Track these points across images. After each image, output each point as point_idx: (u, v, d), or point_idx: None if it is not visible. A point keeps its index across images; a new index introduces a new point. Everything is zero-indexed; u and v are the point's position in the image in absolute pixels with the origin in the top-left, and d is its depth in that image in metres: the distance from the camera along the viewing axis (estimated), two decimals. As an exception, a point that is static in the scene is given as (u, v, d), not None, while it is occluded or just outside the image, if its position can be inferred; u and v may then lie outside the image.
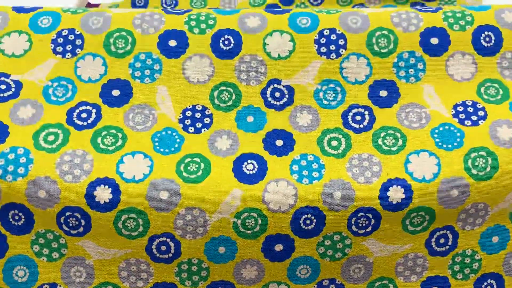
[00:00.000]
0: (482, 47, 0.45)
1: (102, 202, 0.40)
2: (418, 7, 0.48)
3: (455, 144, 0.42)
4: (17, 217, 0.41)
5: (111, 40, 0.45)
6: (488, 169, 0.40)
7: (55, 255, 0.42)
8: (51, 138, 0.42)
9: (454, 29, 0.45)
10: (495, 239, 0.43)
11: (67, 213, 0.40)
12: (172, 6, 0.67)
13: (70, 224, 0.40)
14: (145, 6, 0.67)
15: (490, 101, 0.44)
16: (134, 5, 0.67)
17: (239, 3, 0.67)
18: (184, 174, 0.41)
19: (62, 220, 0.40)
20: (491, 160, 0.40)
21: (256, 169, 0.41)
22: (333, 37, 0.45)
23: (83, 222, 0.40)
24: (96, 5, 0.68)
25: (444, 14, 0.46)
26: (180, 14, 0.46)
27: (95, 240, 0.41)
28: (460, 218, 0.42)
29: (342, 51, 0.45)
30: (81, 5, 0.66)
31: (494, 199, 0.41)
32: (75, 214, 0.40)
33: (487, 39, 0.45)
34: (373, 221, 0.41)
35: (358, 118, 0.44)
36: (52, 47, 0.45)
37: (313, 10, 0.47)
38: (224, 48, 0.45)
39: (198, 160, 0.41)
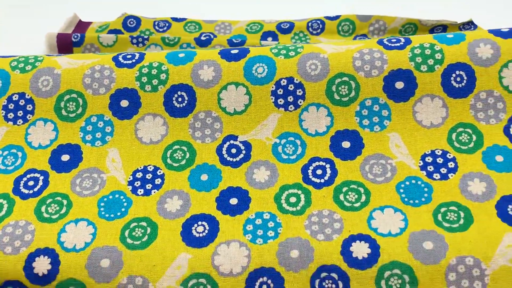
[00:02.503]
0: (453, 88, 0.42)
1: (40, 274, 0.37)
2: (385, 41, 0.44)
3: (423, 199, 0.38)
4: None
5: (62, 104, 0.43)
6: (462, 221, 0.36)
7: None
8: None
9: (421, 70, 0.42)
10: None
11: None
12: (165, 29, 0.66)
13: None
14: (136, 27, 0.66)
15: (462, 150, 0.40)
16: (125, 26, 0.66)
17: (235, 29, 0.66)
18: (128, 240, 0.38)
19: None
20: (464, 214, 0.36)
21: (206, 231, 0.38)
22: (291, 87, 0.42)
23: None
24: (88, 24, 0.68)
25: (412, 52, 0.43)
26: (132, 67, 0.44)
27: None
28: (451, 281, 0.35)
29: (300, 102, 0.42)
30: (72, 23, 0.66)
31: (483, 252, 0.35)
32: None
33: (459, 79, 0.42)
34: (340, 283, 0.36)
35: (319, 172, 0.41)
36: (3, 114, 0.44)
37: (271, 52, 0.44)
38: (178, 105, 0.43)
39: (144, 224, 0.39)
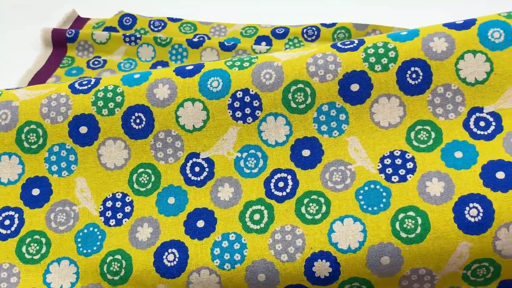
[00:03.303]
0: (409, 85, 0.41)
1: None
2: (339, 44, 0.44)
3: (381, 205, 0.39)
4: None
5: (23, 136, 0.44)
6: (419, 230, 0.37)
7: None
8: None
9: (376, 70, 0.41)
10: None
11: None
12: (160, 28, 0.66)
13: None
14: (132, 25, 0.67)
15: (420, 149, 0.40)
16: (121, 24, 0.68)
17: (230, 32, 0.65)
18: (109, 276, 0.40)
19: None
20: (421, 220, 0.37)
21: (177, 260, 0.39)
22: (247, 99, 0.42)
23: None
24: (86, 20, 0.69)
25: (365, 52, 0.42)
26: (87, 93, 0.44)
27: None
28: (404, 285, 0.39)
29: (258, 113, 0.42)
30: (70, 19, 0.68)
31: (436, 264, 0.37)
32: None
33: (414, 75, 0.41)
34: None
35: (280, 184, 0.41)
36: None
37: (225, 65, 0.44)
38: (137, 127, 0.43)
39: (119, 257, 0.40)
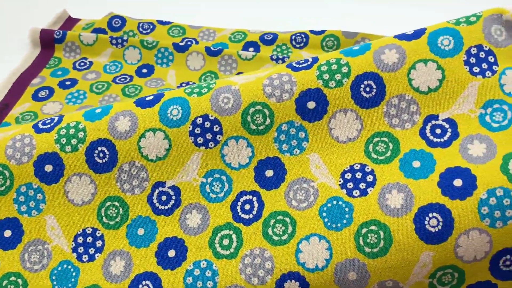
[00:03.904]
0: (363, 99, 0.42)
1: None
2: (294, 63, 0.44)
3: (344, 222, 0.39)
4: None
5: None
6: (382, 244, 0.38)
7: None
8: None
9: (330, 87, 0.42)
10: None
11: None
12: (149, 31, 0.66)
13: None
14: (121, 27, 0.68)
15: (379, 161, 0.41)
16: (110, 25, 0.68)
17: (218, 37, 0.66)
18: None
19: None
20: (384, 234, 0.38)
21: None
22: (207, 124, 0.43)
23: None
24: (77, 20, 0.70)
25: (319, 69, 0.42)
26: (50, 131, 0.44)
27: None
28: None
29: (219, 138, 0.43)
30: (61, 19, 0.69)
31: (401, 275, 0.38)
32: None
33: (368, 89, 0.42)
34: None
35: (247, 207, 0.42)
36: None
37: (184, 92, 0.44)
38: (100, 161, 0.43)
39: None
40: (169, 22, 0.69)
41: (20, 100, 0.60)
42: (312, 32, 0.64)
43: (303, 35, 0.64)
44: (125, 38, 0.64)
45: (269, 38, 0.65)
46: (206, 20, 0.70)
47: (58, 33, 0.65)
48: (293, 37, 0.64)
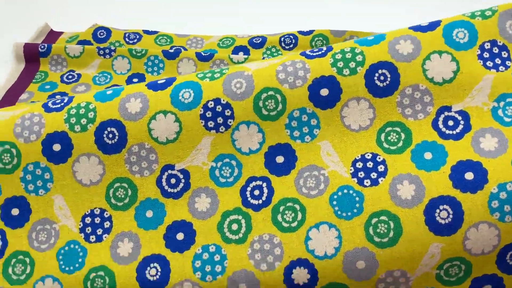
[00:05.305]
0: (377, 88, 0.42)
1: None
2: (308, 51, 0.44)
3: (355, 211, 0.40)
4: None
5: None
6: (391, 234, 0.38)
7: None
8: None
9: (344, 75, 0.42)
10: None
11: None
12: (135, 41, 0.65)
13: None
14: (106, 38, 0.66)
15: (391, 151, 0.41)
16: (95, 37, 0.66)
17: (206, 44, 0.65)
18: None
19: None
20: (394, 225, 0.38)
21: (159, 274, 0.40)
22: (219, 108, 0.42)
23: None
24: (59, 34, 0.68)
25: (333, 57, 0.42)
26: (60, 111, 0.44)
27: None
28: None
29: (230, 122, 0.42)
30: (43, 33, 0.66)
31: (409, 265, 0.39)
32: None
33: (382, 78, 0.42)
34: None
35: (256, 192, 0.42)
36: None
37: (197, 77, 0.44)
38: (110, 142, 0.43)
39: (102, 273, 0.41)
40: (156, 32, 0.67)
41: None
42: (300, 32, 0.64)
43: (291, 36, 0.64)
44: (112, 48, 0.62)
45: (258, 42, 0.64)
46: (192, 29, 0.69)
47: (42, 47, 0.63)
48: (282, 38, 0.64)
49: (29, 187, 0.44)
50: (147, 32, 0.67)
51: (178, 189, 0.43)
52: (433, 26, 0.42)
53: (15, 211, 0.44)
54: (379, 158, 0.41)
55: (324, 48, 0.43)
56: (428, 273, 0.39)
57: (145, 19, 0.71)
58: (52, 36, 0.68)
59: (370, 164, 0.41)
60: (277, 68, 0.42)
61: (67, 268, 0.42)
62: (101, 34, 0.66)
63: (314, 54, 0.43)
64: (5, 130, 0.44)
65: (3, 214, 0.44)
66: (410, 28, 0.42)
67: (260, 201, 0.42)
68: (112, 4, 0.74)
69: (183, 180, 0.43)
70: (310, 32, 0.63)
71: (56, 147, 0.43)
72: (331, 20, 0.68)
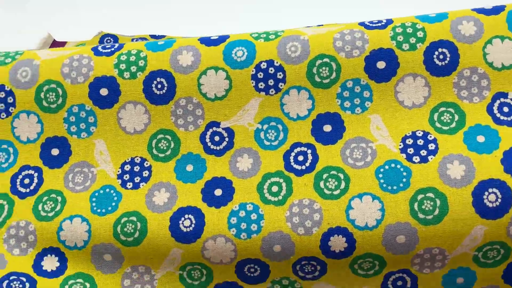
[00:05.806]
0: (435, 66, 0.41)
1: (49, 270, 0.41)
2: (367, 22, 0.43)
3: (401, 185, 0.39)
4: None
5: (42, 95, 0.43)
6: (437, 212, 0.37)
7: None
8: None
9: (403, 49, 0.41)
10: (460, 280, 0.40)
11: (14, 283, 0.41)
12: None
13: None
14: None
15: (443, 131, 0.40)
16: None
17: None
18: (122, 237, 0.40)
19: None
20: (440, 203, 0.38)
21: (193, 226, 0.40)
22: (271, 70, 0.42)
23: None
24: (63, 44, 0.66)
25: (393, 31, 0.41)
26: (110, 55, 0.43)
27: None
28: (415, 263, 0.39)
29: (281, 86, 0.42)
30: (46, 44, 0.65)
31: (449, 244, 0.38)
32: (21, 278, 0.41)
33: (441, 56, 0.41)
34: (318, 267, 0.39)
35: (300, 158, 0.41)
36: None
37: (251, 36, 0.43)
38: (158, 92, 0.43)
39: (134, 219, 0.40)
40: (163, 36, 0.67)
41: None
42: None
43: None
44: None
45: None
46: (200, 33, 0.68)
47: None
48: None
49: (71, 128, 0.43)
50: (154, 36, 0.66)
51: (221, 147, 0.42)
52: (497, 10, 0.41)
53: (55, 151, 0.43)
54: (430, 137, 0.40)
55: (384, 21, 0.42)
56: (466, 253, 0.38)
57: (151, 24, 0.70)
58: (56, 46, 0.66)
59: (420, 142, 0.40)
60: (335, 36, 0.42)
61: (98, 210, 0.41)
62: (108, 41, 0.66)
63: (373, 25, 0.42)
64: (52, 69, 0.44)
65: (43, 153, 0.43)
66: (473, 9, 0.42)
67: (304, 167, 0.41)
68: (111, 10, 0.73)
69: (227, 139, 0.42)
70: None
71: (103, 91, 0.43)
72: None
